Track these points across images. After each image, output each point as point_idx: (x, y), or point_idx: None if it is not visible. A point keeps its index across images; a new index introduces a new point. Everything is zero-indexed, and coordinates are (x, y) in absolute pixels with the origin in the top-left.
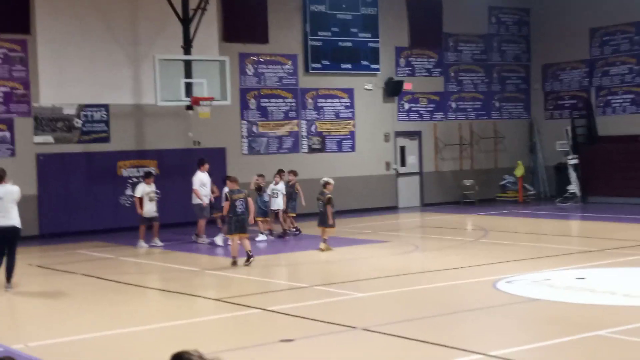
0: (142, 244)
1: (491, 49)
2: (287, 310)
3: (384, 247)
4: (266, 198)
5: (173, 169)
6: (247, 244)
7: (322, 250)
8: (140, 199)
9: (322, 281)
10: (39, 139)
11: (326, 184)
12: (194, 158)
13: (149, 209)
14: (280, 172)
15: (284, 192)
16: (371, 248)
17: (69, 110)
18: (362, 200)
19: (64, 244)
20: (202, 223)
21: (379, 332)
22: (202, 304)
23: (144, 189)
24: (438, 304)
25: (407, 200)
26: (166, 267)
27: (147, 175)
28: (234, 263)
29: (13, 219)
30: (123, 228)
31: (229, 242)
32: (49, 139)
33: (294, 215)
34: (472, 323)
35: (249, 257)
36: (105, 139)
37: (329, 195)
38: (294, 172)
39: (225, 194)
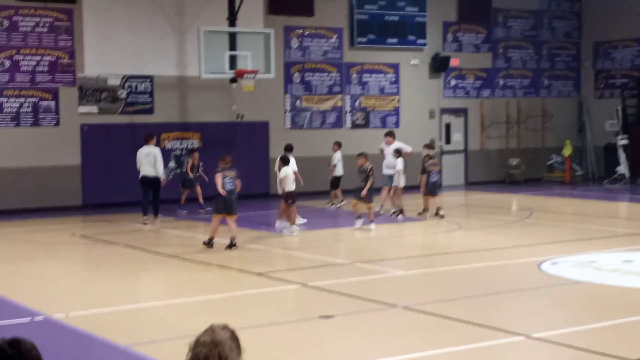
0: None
1: (541, 25)
2: (327, 287)
3: (427, 225)
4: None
5: (216, 142)
6: (234, 227)
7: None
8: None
9: (364, 258)
10: (83, 109)
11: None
12: (237, 131)
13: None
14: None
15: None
16: (414, 226)
17: (114, 81)
18: (405, 178)
19: (107, 214)
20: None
21: (420, 311)
22: (243, 278)
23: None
24: (481, 284)
25: (452, 178)
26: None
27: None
28: (210, 244)
29: (153, 172)
30: (165, 200)
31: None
32: (93, 109)
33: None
34: (515, 304)
35: (231, 243)
36: (149, 111)
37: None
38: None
39: (218, 172)
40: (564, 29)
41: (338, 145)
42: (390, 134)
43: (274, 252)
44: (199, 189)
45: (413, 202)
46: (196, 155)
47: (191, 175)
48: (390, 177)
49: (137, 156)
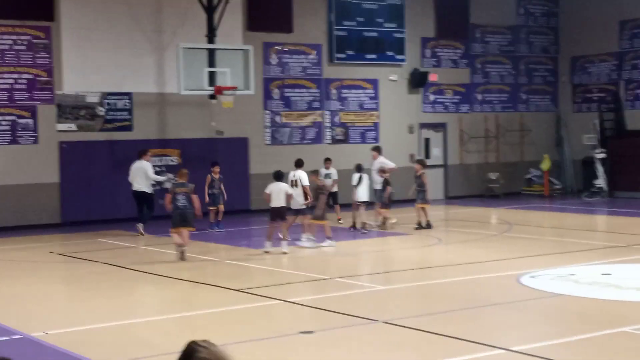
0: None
1: (519, 41)
2: (307, 302)
3: (406, 239)
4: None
5: (195, 158)
6: (186, 238)
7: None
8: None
9: (343, 273)
10: (62, 126)
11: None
12: (217, 148)
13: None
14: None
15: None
16: (394, 241)
17: (92, 98)
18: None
19: (86, 232)
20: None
21: (400, 326)
22: (223, 294)
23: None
24: (461, 297)
25: (431, 192)
26: (188, 256)
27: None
28: (182, 257)
29: (142, 186)
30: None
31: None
32: (72, 126)
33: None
34: (495, 318)
35: (181, 248)
36: (128, 128)
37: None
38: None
39: (169, 188)
40: (541, 44)
41: (330, 161)
42: (375, 149)
43: (254, 268)
44: (221, 207)
45: (413, 216)
46: (217, 169)
47: (210, 191)
48: (376, 192)
49: (130, 170)
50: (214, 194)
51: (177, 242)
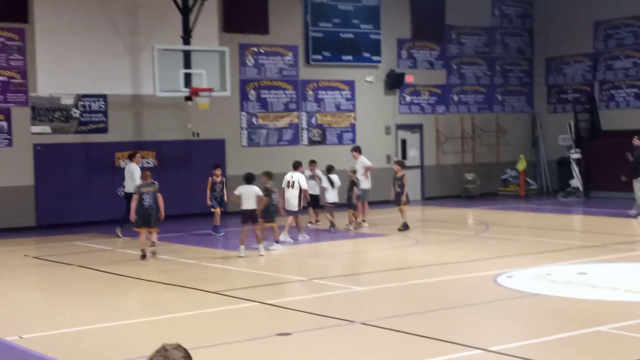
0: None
1: (494, 42)
2: (284, 304)
3: (384, 240)
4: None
5: (171, 160)
6: (155, 236)
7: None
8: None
9: (321, 274)
10: (36, 129)
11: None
12: (193, 149)
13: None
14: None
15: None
16: (371, 241)
17: (67, 100)
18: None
19: (61, 235)
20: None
21: (378, 327)
22: (199, 297)
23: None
24: (438, 298)
25: (408, 193)
26: (163, 259)
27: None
28: (143, 256)
29: (130, 188)
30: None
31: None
32: (47, 129)
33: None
34: (472, 318)
35: (152, 247)
36: (103, 130)
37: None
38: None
39: (135, 188)
40: (516, 45)
41: (315, 163)
42: (355, 149)
43: (231, 270)
44: (218, 211)
45: (390, 217)
46: (218, 172)
47: (211, 194)
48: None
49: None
50: (215, 197)
51: (142, 242)
